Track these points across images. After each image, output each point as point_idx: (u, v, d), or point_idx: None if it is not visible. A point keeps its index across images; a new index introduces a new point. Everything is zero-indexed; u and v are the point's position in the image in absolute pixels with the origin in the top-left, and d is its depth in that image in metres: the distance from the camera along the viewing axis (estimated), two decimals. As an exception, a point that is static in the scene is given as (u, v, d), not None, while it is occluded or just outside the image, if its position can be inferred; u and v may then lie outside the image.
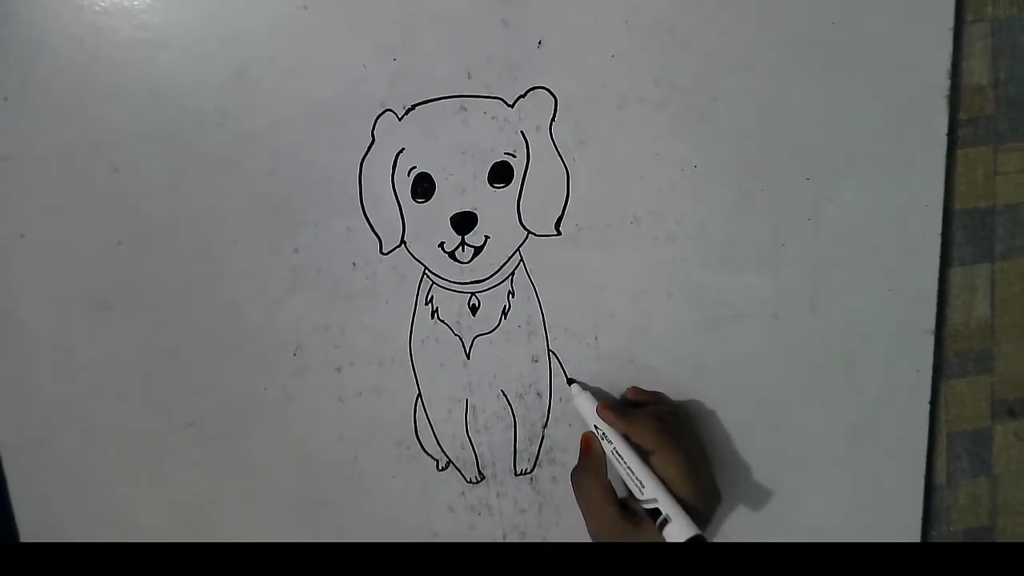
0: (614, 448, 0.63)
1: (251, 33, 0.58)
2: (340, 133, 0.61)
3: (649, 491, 0.60)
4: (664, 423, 0.63)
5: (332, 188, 0.61)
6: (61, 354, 0.62)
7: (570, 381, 0.68)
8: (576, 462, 0.67)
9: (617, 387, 0.69)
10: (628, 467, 0.61)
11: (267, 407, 0.65)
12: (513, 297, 0.66)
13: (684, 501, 0.60)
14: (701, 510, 0.61)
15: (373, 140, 0.61)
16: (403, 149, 0.62)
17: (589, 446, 0.65)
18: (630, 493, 0.61)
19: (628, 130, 0.64)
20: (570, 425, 0.69)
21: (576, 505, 0.66)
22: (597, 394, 0.67)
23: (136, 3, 0.57)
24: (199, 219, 0.61)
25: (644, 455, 0.62)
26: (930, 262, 0.70)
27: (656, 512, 0.59)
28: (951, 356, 0.73)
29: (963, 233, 0.71)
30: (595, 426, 0.64)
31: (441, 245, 0.64)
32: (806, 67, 0.64)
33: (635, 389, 0.69)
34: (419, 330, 0.65)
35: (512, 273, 0.65)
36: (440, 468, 0.69)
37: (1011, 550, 0.54)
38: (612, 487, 0.62)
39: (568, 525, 0.71)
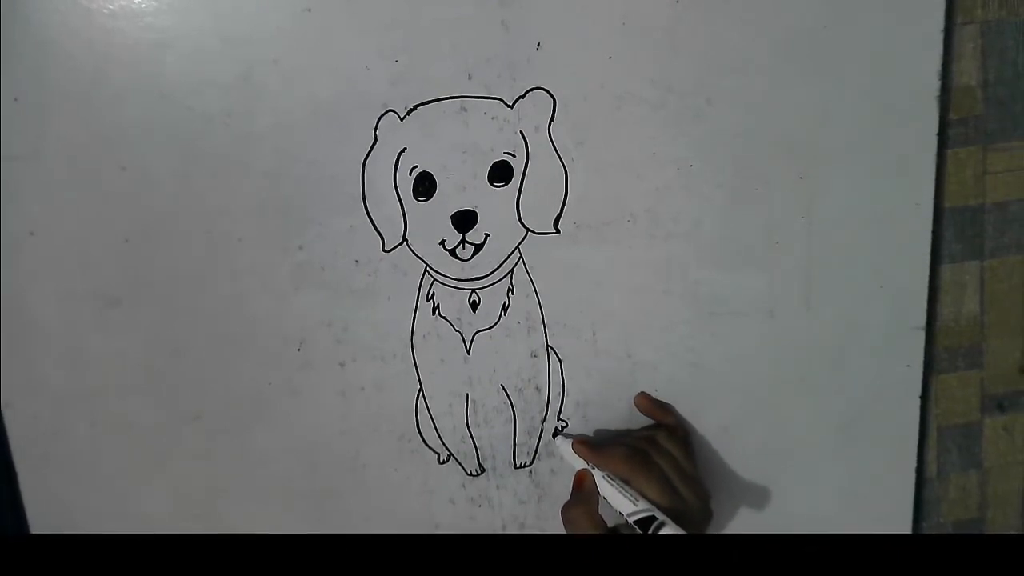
0: (604, 474, 0.64)
1: (256, 35, 0.59)
2: (343, 133, 0.62)
3: (644, 503, 0.61)
4: (633, 451, 0.64)
5: (335, 187, 0.62)
6: (70, 349, 0.63)
7: (555, 434, 0.70)
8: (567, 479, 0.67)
9: (615, 382, 0.70)
10: (621, 485, 0.63)
11: (272, 401, 0.66)
12: (513, 294, 0.66)
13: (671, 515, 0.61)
14: (688, 525, 0.62)
15: (375, 140, 0.62)
16: (405, 149, 0.63)
17: (582, 482, 0.65)
18: (624, 522, 0.62)
19: (625, 130, 0.65)
20: (568, 420, 0.70)
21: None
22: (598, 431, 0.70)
23: (144, 6, 0.58)
24: (205, 217, 0.62)
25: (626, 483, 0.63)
26: (921, 259, 0.71)
27: (649, 521, 0.60)
28: (941, 351, 0.74)
29: (953, 231, 0.72)
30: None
31: (442, 243, 0.65)
32: (799, 69, 0.65)
33: (644, 395, 0.70)
34: (420, 326, 0.66)
35: (512, 270, 0.66)
36: (441, 461, 0.70)
37: (1000, 541, 0.55)
38: (603, 521, 0.63)
39: (566, 517, 0.72)
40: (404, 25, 0.60)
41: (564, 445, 0.68)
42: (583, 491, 0.65)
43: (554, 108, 0.63)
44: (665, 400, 0.71)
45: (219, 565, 0.51)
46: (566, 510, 0.64)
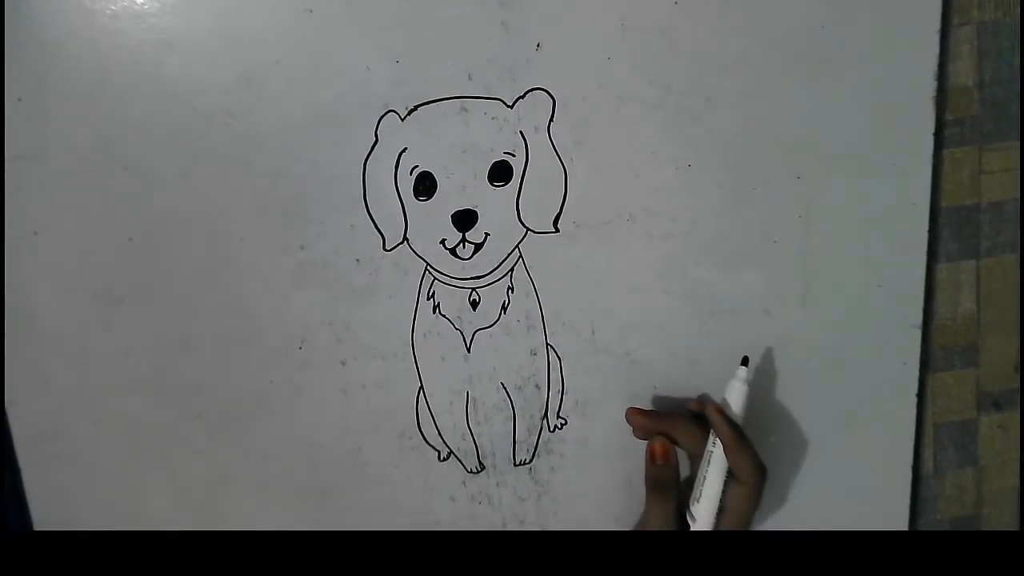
0: (712, 455, 0.64)
1: (258, 36, 0.60)
2: (344, 133, 0.62)
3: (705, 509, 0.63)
4: (763, 467, 0.63)
5: (336, 187, 0.63)
6: (73, 348, 0.63)
7: (744, 361, 0.66)
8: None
9: (614, 380, 0.70)
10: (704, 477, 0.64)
11: (273, 399, 0.66)
12: (512, 292, 0.67)
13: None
14: None
15: (376, 140, 0.62)
16: (405, 149, 0.63)
17: (667, 456, 0.66)
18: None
19: (624, 130, 0.65)
20: (568, 418, 0.71)
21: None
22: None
23: (147, 7, 0.58)
24: (208, 217, 0.62)
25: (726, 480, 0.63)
26: (917, 258, 0.71)
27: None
28: (938, 350, 0.75)
29: (949, 230, 0.72)
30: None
31: (442, 242, 0.65)
32: (797, 69, 0.66)
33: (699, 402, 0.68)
34: (421, 324, 0.67)
35: (512, 269, 0.66)
36: (441, 459, 0.70)
37: (996, 538, 0.55)
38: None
39: (566, 514, 0.72)
40: (405, 26, 0.61)
41: (740, 384, 0.65)
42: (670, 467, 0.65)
43: (553, 108, 0.64)
44: (663, 397, 0.71)
45: (221, 562, 0.51)
46: (661, 501, 0.65)
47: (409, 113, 0.62)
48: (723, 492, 0.64)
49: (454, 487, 0.71)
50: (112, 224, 0.62)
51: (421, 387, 0.68)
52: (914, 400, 0.74)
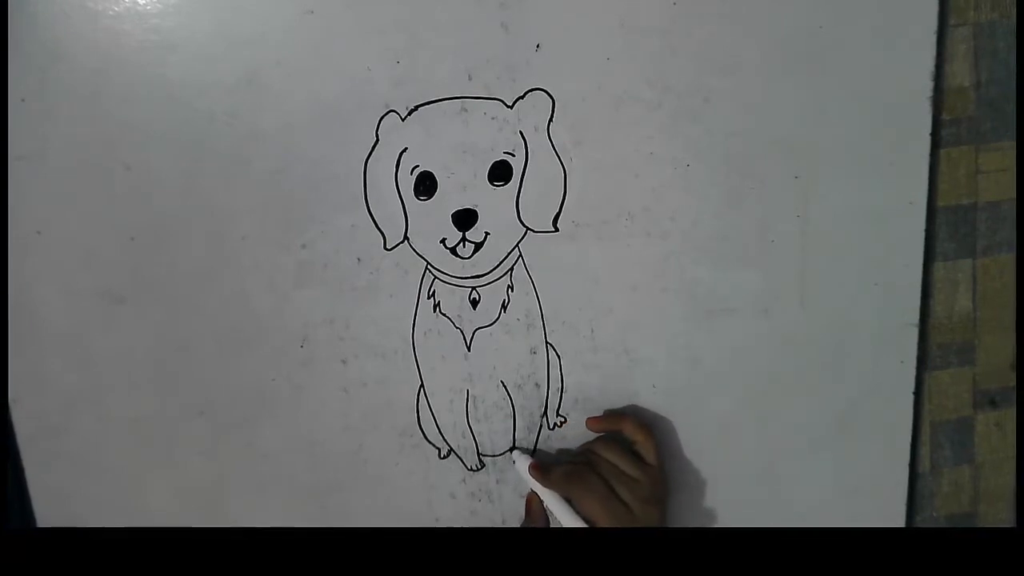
0: (553, 495, 0.66)
1: (259, 37, 0.60)
2: (345, 133, 0.62)
3: (580, 520, 0.65)
4: (572, 468, 0.66)
5: (338, 186, 0.63)
6: (76, 346, 0.63)
7: (511, 448, 0.71)
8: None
9: (613, 379, 0.71)
10: (566, 505, 0.66)
11: (275, 397, 0.66)
12: (512, 291, 0.67)
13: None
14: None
15: (377, 140, 0.63)
16: (406, 148, 0.63)
17: (530, 506, 0.69)
18: None
19: (623, 130, 0.65)
20: (567, 416, 0.71)
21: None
22: (543, 456, 0.72)
23: (149, 8, 0.58)
24: (210, 216, 0.62)
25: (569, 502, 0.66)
26: (914, 258, 0.72)
27: None
28: (934, 348, 0.75)
29: (946, 230, 0.72)
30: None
31: (443, 241, 0.65)
32: (795, 69, 0.66)
33: (591, 419, 0.71)
34: (421, 323, 0.67)
35: (511, 268, 0.67)
36: (442, 456, 0.70)
37: (992, 535, 0.56)
38: None
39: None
40: (405, 27, 0.61)
41: (521, 462, 0.69)
42: (530, 517, 0.69)
43: (553, 108, 0.64)
44: (663, 395, 0.71)
45: (222, 559, 0.51)
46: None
47: (410, 113, 0.63)
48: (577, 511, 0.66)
49: (454, 484, 0.71)
50: (114, 223, 0.62)
51: (422, 385, 0.68)
52: (911, 398, 0.75)
